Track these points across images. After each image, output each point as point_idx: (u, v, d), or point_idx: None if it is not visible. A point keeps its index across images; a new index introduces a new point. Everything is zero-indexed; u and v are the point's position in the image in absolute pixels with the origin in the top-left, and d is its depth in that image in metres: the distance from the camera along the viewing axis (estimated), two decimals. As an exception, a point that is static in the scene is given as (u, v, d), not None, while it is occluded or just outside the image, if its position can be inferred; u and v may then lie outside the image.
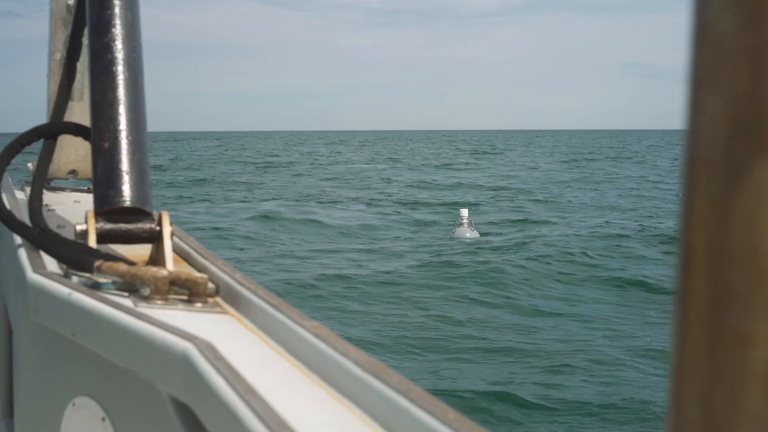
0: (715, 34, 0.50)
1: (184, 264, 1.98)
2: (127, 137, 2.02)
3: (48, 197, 3.02)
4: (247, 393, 1.15)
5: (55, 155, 3.29)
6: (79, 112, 2.87)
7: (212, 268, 1.85)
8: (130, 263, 1.78)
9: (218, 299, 1.75)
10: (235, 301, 1.70)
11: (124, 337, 1.48)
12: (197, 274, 1.73)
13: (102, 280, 1.76)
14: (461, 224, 22.26)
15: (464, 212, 22.91)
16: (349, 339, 1.35)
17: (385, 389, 1.14)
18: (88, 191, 3.18)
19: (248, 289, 1.66)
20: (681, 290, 0.52)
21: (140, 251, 1.99)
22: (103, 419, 1.63)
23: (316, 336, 1.36)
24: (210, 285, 1.76)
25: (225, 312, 1.67)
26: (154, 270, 1.71)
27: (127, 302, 1.64)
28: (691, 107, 0.51)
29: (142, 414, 1.54)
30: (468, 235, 21.65)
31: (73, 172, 3.32)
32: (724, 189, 0.49)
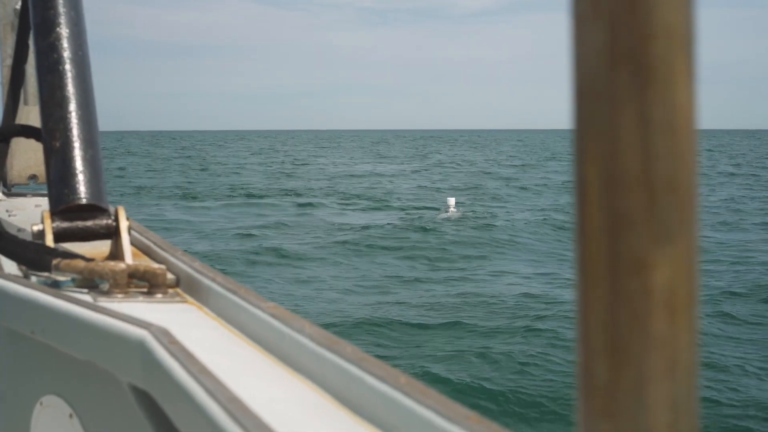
0: None
1: (145, 258, 1.98)
2: (79, 135, 2.01)
3: (9, 203, 3.01)
4: (201, 373, 1.16)
5: (15, 161, 3.28)
6: (36, 116, 2.85)
7: (172, 259, 1.85)
8: (88, 260, 1.77)
9: (179, 289, 1.75)
10: (195, 290, 1.70)
11: (81, 331, 1.48)
12: (156, 266, 1.73)
13: (61, 278, 1.76)
14: (447, 211, 22.95)
15: (451, 201, 23.63)
16: (304, 316, 1.36)
17: (339, 360, 1.15)
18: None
19: (207, 277, 1.67)
20: (579, 222, 0.52)
21: (101, 248, 1.99)
22: (71, 416, 1.63)
23: (273, 316, 1.37)
24: (170, 276, 1.76)
25: (185, 301, 1.68)
26: (111, 264, 1.71)
27: (86, 298, 1.64)
28: (574, 41, 0.51)
29: (107, 407, 1.54)
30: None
31: (33, 177, 3.31)
32: (610, 118, 0.50)
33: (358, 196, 30.98)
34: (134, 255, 1.95)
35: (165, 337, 1.31)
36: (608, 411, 0.52)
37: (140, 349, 1.34)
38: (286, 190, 34.14)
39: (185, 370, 1.18)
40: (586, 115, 0.51)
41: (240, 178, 41.94)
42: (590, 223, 0.52)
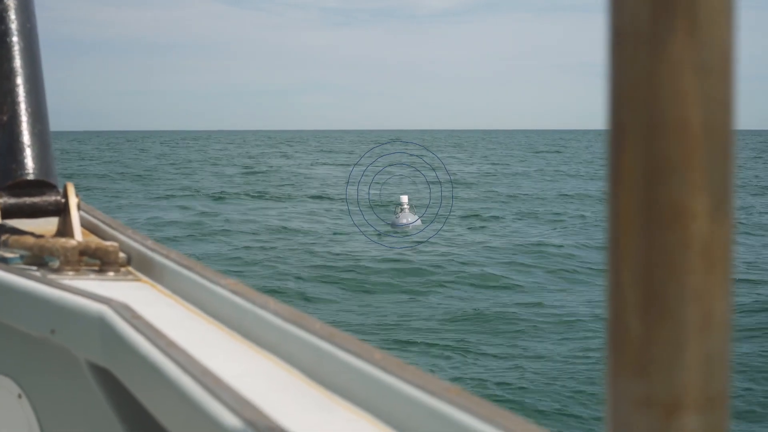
0: None
1: (93, 237, 1.93)
2: (27, 109, 1.95)
3: None
4: (168, 347, 1.12)
5: None
6: None
7: (122, 237, 1.80)
8: (38, 236, 1.72)
9: (130, 268, 1.71)
10: (148, 268, 1.66)
11: (37, 306, 1.43)
12: (107, 243, 1.69)
13: (9, 254, 1.71)
14: (402, 210, 23.13)
15: (404, 198, 23.82)
16: (267, 292, 1.33)
17: (308, 336, 1.12)
18: None
19: (161, 254, 1.62)
20: (613, 170, 0.50)
21: (47, 227, 1.93)
22: (20, 396, 1.58)
23: (234, 292, 1.33)
24: (121, 255, 1.71)
25: (138, 279, 1.63)
26: (62, 240, 1.66)
27: (37, 274, 1.59)
28: None
29: (61, 386, 1.49)
30: (407, 221, 22.77)
31: None
32: (651, 61, 0.48)
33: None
34: (82, 234, 1.90)
35: (127, 311, 1.27)
36: (641, 366, 0.50)
37: (100, 324, 1.29)
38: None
39: (152, 344, 1.14)
40: (625, 59, 0.49)
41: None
42: (626, 172, 0.50)
